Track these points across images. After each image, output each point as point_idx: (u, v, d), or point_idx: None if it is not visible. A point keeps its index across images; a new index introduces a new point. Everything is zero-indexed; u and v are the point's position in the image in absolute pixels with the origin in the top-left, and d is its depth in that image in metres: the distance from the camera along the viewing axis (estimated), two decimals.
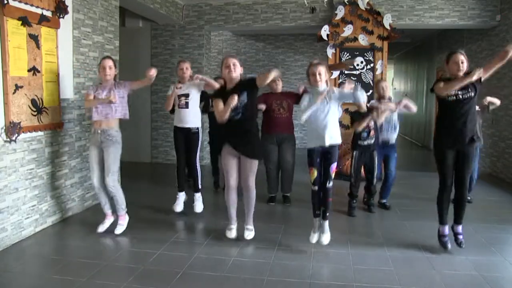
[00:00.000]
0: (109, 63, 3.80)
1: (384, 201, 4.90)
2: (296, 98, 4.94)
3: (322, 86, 3.42)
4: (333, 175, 3.47)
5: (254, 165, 3.58)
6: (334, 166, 3.44)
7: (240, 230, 3.74)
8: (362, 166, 4.68)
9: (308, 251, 3.49)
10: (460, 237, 3.52)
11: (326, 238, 3.49)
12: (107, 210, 3.91)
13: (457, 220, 3.54)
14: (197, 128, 4.45)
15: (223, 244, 3.66)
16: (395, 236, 3.93)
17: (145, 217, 4.40)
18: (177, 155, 4.55)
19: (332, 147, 3.42)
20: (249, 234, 3.69)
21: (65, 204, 4.34)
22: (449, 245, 3.50)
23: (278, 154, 4.91)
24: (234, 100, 3.36)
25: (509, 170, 6.43)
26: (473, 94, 3.32)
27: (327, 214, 3.51)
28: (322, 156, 3.44)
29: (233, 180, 3.64)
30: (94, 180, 3.82)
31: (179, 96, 4.38)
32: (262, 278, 3.00)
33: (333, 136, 3.41)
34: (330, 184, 3.46)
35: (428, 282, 2.99)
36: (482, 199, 5.10)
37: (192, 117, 4.41)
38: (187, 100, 4.36)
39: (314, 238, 3.51)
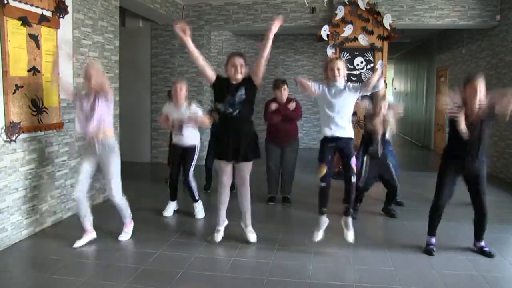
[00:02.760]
0: (92, 71, 3.46)
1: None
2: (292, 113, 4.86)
3: (341, 81, 3.42)
4: (355, 169, 3.38)
5: (250, 165, 3.58)
6: (354, 160, 3.38)
7: (236, 234, 3.75)
8: (376, 176, 4.51)
9: (308, 251, 3.49)
10: (487, 249, 3.47)
11: (351, 235, 3.42)
12: (86, 224, 3.63)
13: (479, 238, 3.53)
14: (194, 145, 4.43)
15: (223, 244, 3.66)
16: (395, 236, 3.93)
17: (145, 217, 4.40)
18: (170, 169, 4.53)
19: (346, 141, 3.38)
20: (252, 236, 3.67)
21: (65, 204, 4.33)
22: (434, 253, 3.47)
23: (280, 155, 4.92)
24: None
25: (509, 170, 6.43)
26: (486, 131, 3.30)
27: (350, 210, 3.45)
28: (338, 152, 3.41)
29: (226, 178, 3.62)
30: (78, 192, 3.54)
31: (173, 121, 4.31)
32: (262, 278, 3.00)
33: (346, 130, 3.38)
34: (354, 179, 3.38)
35: (428, 282, 2.99)
36: None
37: (189, 137, 4.38)
38: (181, 124, 4.30)
39: (318, 236, 3.46)
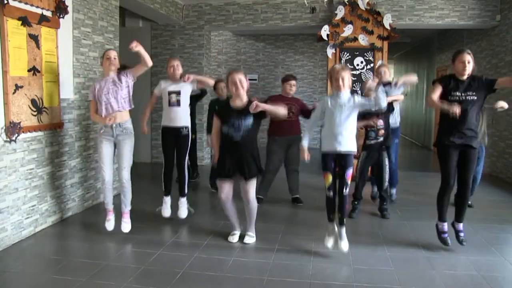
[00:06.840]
0: (113, 53, 3.83)
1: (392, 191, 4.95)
2: (305, 112, 4.81)
3: (346, 92, 3.34)
4: (349, 182, 3.36)
5: (252, 181, 3.55)
6: (349, 172, 3.34)
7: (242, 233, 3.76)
8: (369, 168, 4.52)
9: (308, 251, 3.50)
10: (462, 234, 3.53)
11: (344, 244, 3.39)
12: (111, 206, 3.85)
13: (459, 218, 3.55)
14: (187, 129, 4.26)
15: (223, 244, 3.66)
16: (395, 236, 3.93)
17: (145, 217, 4.39)
18: (165, 157, 4.31)
19: (346, 154, 3.33)
20: (250, 239, 3.70)
21: (65, 204, 4.34)
22: (450, 242, 3.51)
23: (284, 156, 4.85)
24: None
25: (509, 170, 6.43)
26: (476, 98, 3.32)
27: (344, 220, 3.46)
28: (336, 162, 3.37)
29: (224, 195, 3.59)
30: (107, 176, 3.77)
31: (170, 93, 4.19)
32: (262, 278, 3.00)
33: (347, 143, 3.32)
34: (346, 191, 3.37)
35: (428, 282, 2.99)
36: (482, 199, 5.09)
37: (183, 115, 4.23)
38: (178, 98, 4.18)
39: (330, 242, 3.43)
